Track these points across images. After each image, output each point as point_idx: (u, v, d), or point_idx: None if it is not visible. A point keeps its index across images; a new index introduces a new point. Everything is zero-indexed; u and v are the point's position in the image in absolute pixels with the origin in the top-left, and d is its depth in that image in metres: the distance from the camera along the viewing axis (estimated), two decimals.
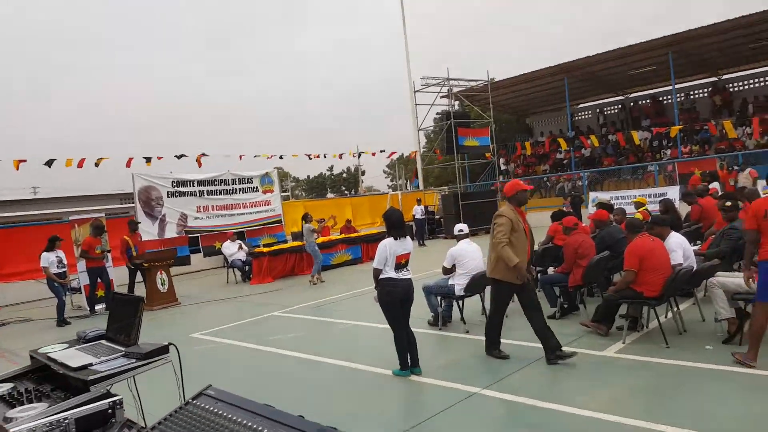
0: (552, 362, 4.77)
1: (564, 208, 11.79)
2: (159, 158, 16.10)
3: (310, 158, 20.84)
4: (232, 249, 12.76)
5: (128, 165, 15.21)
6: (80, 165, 14.94)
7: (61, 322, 9.14)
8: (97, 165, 15.43)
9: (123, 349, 2.73)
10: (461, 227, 6.31)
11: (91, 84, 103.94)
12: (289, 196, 57.29)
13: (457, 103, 25.19)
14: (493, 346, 5.13)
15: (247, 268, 12.67)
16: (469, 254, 6.14)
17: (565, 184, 21.59)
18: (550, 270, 7.41)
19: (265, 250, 12.53)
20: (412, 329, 4.96)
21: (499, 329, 5.13)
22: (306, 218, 10.90)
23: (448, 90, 21.26)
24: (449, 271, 6.17)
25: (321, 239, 13.55)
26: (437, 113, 23.56)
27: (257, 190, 16.15)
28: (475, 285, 6.18)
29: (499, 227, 4.79)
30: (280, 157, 20.06)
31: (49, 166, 14.17)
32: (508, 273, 4.82)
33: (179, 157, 16.75)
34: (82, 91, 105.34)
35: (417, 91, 21.49)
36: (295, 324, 7.69)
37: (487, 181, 26.18)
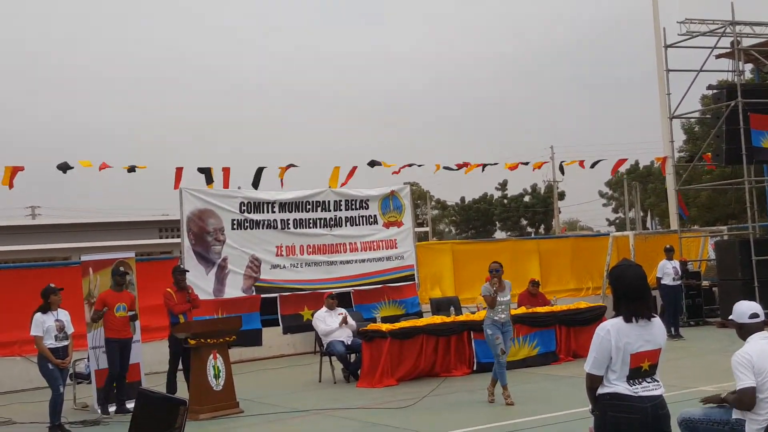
0: None
1: None
2: (225, 170, 16.43)
3: (456, 168, 20.39)
4: (330, 323, 13.03)
5: (177, 180, 15.51)
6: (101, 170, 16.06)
7: (56, 428, 9.85)
8: (131, 171, 16.38)
9: None
10: (747, 308, 6.04)
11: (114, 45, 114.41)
12: (429, 233, 57.89)
13: (749, 67, 23.91)
14: None
15: (353, 357, 12.84)
16: None
17: None
18: None
19: (385, 328, 12.66)
20: None
21: None
22: (492, 272, 10.47)
23: (731, 43, 20.23)
24: (751, 398, 5.71)
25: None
26: (709, 87, 22.32)
27: (376, 222, 16.44)
28: None
29: None
30: (418, 166, 20.21)
31: (64, 172, 15.35)
32: None
33: (260, 171, 16.90)
34: (95, 57, 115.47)
35: (671, 46, 20.82)
36: None
37: None
